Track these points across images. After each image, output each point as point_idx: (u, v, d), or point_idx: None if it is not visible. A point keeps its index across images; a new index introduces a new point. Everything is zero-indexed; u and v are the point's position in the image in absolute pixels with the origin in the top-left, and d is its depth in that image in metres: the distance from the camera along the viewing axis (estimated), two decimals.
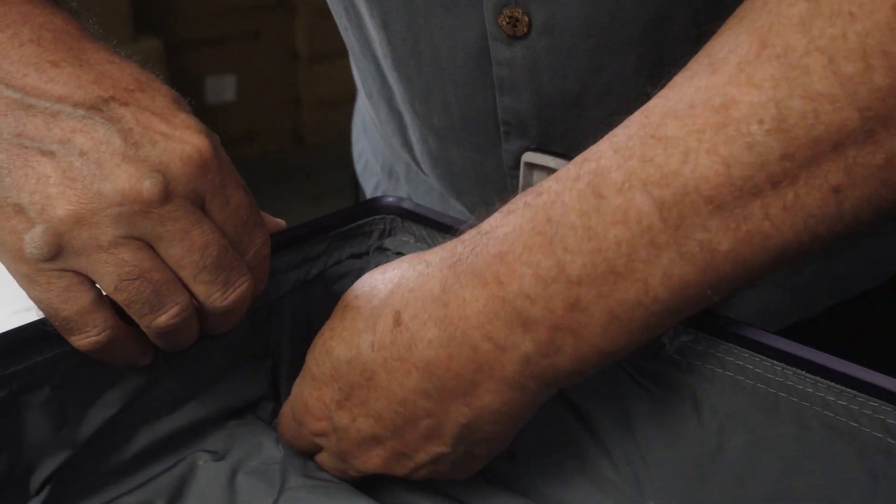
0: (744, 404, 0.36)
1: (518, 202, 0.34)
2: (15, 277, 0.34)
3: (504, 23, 0.42)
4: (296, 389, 0.40)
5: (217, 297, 0.35)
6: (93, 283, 0.34)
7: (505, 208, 0.35)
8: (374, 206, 0.45)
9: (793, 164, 0.29)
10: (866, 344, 0.45)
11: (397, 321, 0.35)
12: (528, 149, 0.46)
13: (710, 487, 0.38)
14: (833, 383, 0.33)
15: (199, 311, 0.36)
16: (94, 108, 0.32)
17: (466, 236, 0.35)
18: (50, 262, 0.32)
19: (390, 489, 0.42)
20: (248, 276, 0.36)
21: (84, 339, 0.34)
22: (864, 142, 0.28)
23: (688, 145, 0.30)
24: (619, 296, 0.31)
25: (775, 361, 0.34)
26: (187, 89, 0.41)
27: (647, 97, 0.33)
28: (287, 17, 2.32)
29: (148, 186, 0.32)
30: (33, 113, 0.32)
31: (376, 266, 0.41)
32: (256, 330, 0.43)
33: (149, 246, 0.33)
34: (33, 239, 0.32)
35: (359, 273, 0.45)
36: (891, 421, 0.32)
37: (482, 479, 0.42)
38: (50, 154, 0.32)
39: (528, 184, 0.44)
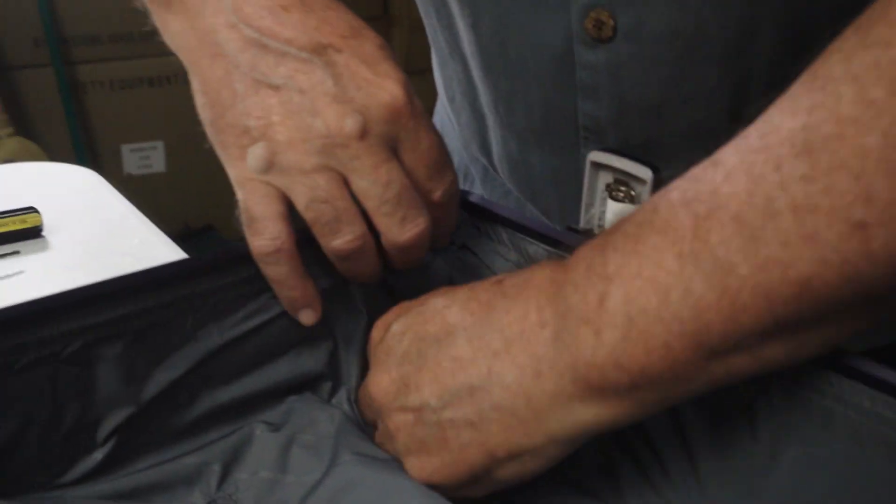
0: (798, 416, 0.35)
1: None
2: (231, 180, 0.40)
3: (590, 25, 0.42)
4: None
5: (395, 230, 0.40)
6: (287, 201, 0.39)
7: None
8: None
9: (814, 188, 0.28)
10: None
11: (501, 280, 0.38)
12: None
13: (761, 501, 0.37)
14: (891, 398, 0.32)
15: (381, 246, 0.40)
16: (315, 51, 0.38)
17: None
18: (261, 173, 0.39)
19: None
20: (425, 217, 0.40)
21: (258, 241, 0.39)
22: (889, 174, 0.27)
23: (731, 165, 0.30)
24: (642, 302, 0.32)
25: (831, 372, 0.34)
26: None
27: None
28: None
29: (349, 124, 0.38)
30: (266, 51, 0.39)
31: (443, 258, 0.42)
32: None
33: (341, 178, 0.39)
34: (254, 152, 0.39)
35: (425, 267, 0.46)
36: None
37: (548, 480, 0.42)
38: (276, 88, 0.39)
39: (593, 184, 0.44)
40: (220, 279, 0.41)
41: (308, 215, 0.39)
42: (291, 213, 0.40)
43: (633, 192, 0.44)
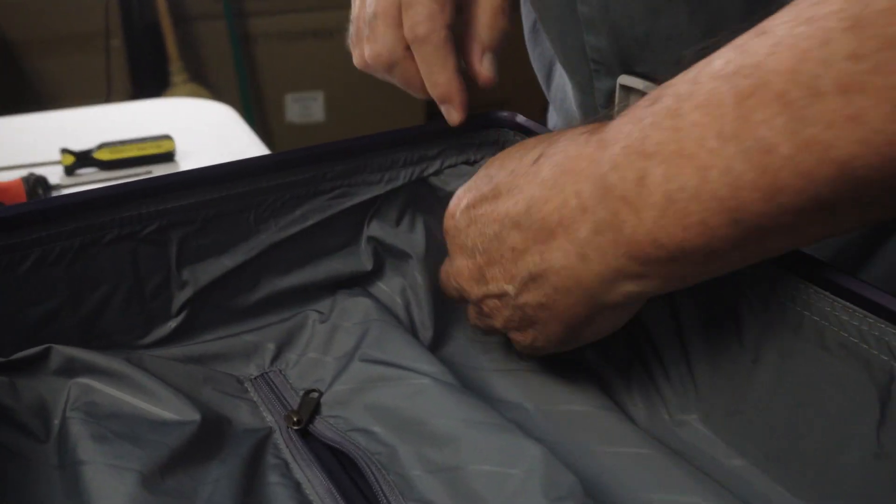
0: (775, 321, 0.37)
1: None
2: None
3: None
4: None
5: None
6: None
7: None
8: (489, 120, 0.50)
9: (860, 67, 0.27)
10: None
11: (537, 159, 0.39)
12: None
13: (745, 402, 0.40)
14: (846, 302, 0.34)
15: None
16: None
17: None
18: None
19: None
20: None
21: (415, 17, 0.46)
22: None
23: (779, 37, 0.29)
24: (681, 181, 0.32)
25: (800, 279, 0.36)
26: None
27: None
28: None
29: None
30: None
31: None
32: (365, 214, 0.49)
33: None
34: None
35: (469, 176, 0.50)
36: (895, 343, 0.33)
37: (552, 377, 0.46)
38: None
39: (625, 107, 0.47)
40: (280, 179, 0.47)
41: None
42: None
43: None
